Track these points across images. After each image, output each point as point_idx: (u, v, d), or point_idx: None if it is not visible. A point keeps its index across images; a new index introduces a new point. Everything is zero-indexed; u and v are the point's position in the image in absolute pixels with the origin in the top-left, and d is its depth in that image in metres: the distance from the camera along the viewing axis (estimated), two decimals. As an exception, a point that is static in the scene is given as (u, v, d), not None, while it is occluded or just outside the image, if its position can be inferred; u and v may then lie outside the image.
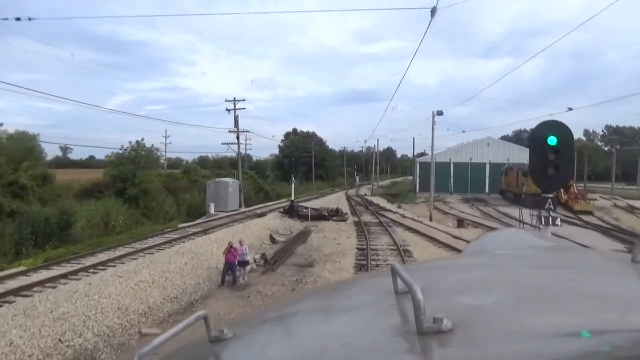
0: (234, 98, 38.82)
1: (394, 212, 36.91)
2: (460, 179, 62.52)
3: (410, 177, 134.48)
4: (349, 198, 54.67)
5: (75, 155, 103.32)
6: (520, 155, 63.49)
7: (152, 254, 18.46)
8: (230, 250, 15.96)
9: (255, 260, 19.08)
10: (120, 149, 33.08)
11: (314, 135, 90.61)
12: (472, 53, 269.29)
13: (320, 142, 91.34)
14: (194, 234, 23.87)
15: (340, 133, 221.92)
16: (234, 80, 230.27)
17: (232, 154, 43.22)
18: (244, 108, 39.91)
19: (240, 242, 17.11)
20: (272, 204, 42.23)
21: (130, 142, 34.16)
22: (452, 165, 62.76)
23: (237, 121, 38.54)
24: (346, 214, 34.39)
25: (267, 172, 69.28)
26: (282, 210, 33.38)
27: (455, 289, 1.17)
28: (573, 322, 0.89)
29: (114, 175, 31.26)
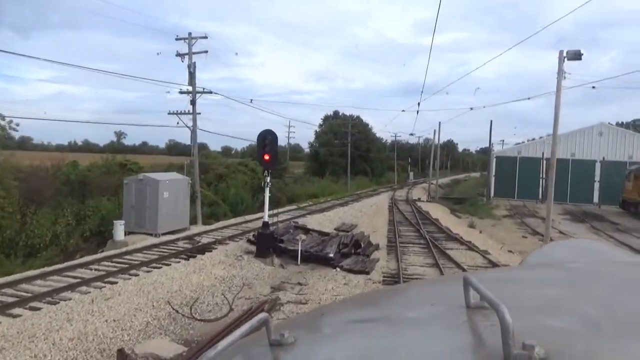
0: (189, 33, 22.89)
1: (467, 244, 20.36)
2: (555, 182, 44.00)
3: (475, 174, 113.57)
4: (393, 204, 38.12)
5: (129, 141, 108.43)
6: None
7: None
8: None
9: None
10: None
11: (357, 119, 72.91)
12: (540, 45, 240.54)
13: (365, 130, 73.90)
14: None
15: (398, 126, 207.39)
16: (292, 71, 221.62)
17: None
18: (206, 51, 23.39)
19: None
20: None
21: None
22: (543, 162, 44.45)
23: (193, 75, 22.44)
24: (376, 246, 18.42)
25: (284, 163, 52.81)
26: (252, 237, 17.77)
27: (539, 308, 1.05)
28: None
29: None
